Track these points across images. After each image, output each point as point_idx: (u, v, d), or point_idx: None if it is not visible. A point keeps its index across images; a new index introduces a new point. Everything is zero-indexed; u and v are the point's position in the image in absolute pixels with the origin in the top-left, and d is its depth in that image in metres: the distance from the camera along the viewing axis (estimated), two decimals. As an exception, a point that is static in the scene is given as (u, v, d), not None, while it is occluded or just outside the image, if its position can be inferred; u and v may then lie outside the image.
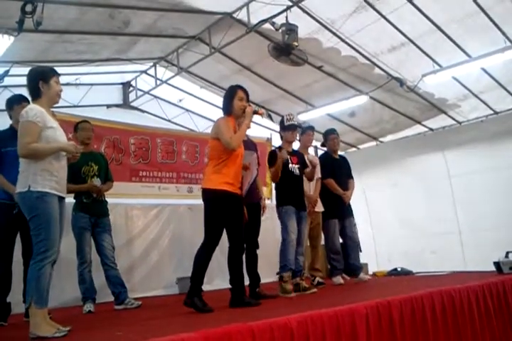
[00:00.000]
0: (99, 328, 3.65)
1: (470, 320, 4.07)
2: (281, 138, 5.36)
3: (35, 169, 3.28)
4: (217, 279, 6.80)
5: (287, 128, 5.17)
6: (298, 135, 6.14)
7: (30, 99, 3.54)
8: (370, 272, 7.70)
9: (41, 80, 3.43)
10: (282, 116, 5.36)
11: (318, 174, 5.98)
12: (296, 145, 5.88)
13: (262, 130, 8.93)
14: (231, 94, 4.21)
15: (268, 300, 4.37)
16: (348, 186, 6.26)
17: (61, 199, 3.42)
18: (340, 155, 6.57)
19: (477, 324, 4.12)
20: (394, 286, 5.39)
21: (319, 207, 5.97)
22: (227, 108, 4.19)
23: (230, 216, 4.02)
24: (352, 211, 6.40)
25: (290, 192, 5.03)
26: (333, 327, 2.98)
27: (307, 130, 6.05)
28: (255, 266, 4.90)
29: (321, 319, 2.93)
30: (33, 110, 3.33)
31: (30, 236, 3.26)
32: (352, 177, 6.41)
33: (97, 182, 5.07)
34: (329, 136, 6.40)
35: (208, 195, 4.05)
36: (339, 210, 6.13)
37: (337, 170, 6.21)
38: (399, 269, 7.11)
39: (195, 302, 3.80)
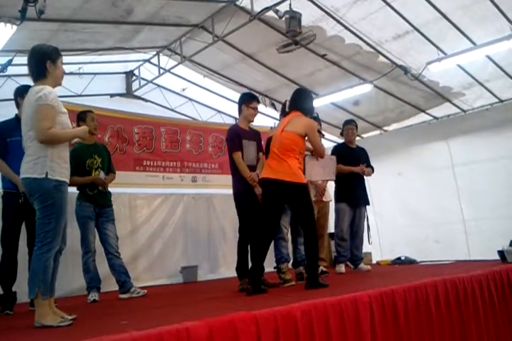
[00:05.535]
0: (104, 317, 3.68)
1: (474, 309, 4.08)
2: None
3: (52, 155, 3.17)
4: (221, 268, 6.84)
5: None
6: None
7: (32, 79, 3.31)
8: (374, 261, 7.72)
9: (49, 60, 3.25)
10: (284, 102, 5.32)
11: None
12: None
13: (266, 119, 8.90)
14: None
15: (271, 289, 4.38)
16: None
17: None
18: (358, 146, 6.57)
19: (481, 313, 4.12)
20: (398, 275, 5.40)
21: (327, 197, 5.96)
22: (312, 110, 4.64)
23: None
24: (368, 200, 6.44)
25: None
26: (337, 315, 2.98)
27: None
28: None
29: (324, 307, 2.94)
30: (52, 93, 3.18)
31: (36, 224, 3.21)
32: (371, 167, 6.45)
33: (101, 175, 5.08)
34: (345, 127, 6.48)
35: (304, 189, 4.25)
36: (353, 196, 6.16)
37: (353, 159, 6.23)
38: (403, 258, 7.10)
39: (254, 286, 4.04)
